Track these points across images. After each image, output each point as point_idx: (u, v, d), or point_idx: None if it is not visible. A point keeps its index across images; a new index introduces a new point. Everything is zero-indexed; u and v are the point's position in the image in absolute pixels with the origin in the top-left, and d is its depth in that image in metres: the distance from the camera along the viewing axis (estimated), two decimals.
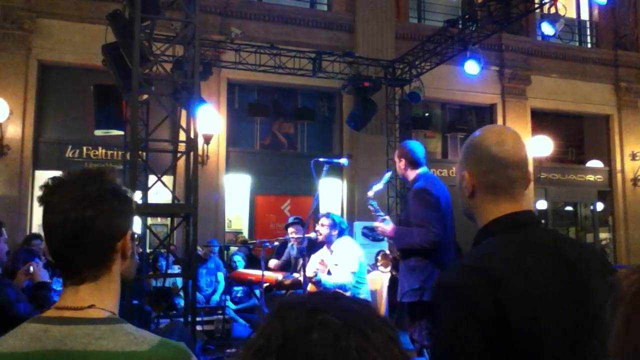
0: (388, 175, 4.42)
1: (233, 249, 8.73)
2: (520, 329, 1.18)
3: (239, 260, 8.05)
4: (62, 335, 1.09)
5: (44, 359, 1.08)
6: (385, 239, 4.27)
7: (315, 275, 4.84)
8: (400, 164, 4.00)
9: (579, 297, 1.25)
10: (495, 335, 1.18)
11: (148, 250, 7.41)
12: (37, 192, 1.20)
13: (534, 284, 1.23)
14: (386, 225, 4.00)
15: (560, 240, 1.40)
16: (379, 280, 5.49)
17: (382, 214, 4.15)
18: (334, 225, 5.15)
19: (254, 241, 8.31)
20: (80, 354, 1.07)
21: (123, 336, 1.11)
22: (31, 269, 3.27)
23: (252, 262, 8.13)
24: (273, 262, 6.38)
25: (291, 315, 0.66)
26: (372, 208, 4.14)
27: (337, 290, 4.79)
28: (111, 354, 1.08)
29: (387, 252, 4.33)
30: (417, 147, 4.04)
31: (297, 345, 0.63)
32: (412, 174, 3.97)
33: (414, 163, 3.97)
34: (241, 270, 7.04)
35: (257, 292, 6.65)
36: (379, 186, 4.23)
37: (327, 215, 5.26)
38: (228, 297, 7.06)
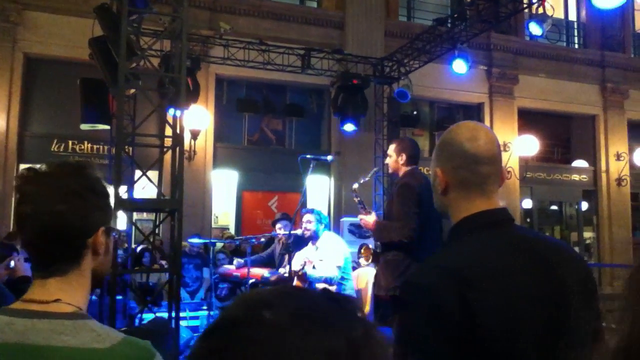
0: (374, 170, 4.57)
1: (219, 245, 8.69)
2: (488, 329, 1.16)
3: (223, 258, 8.04)
4: (25, 329, 1.09)
5: (6, 351, 1.07)
6: (371, 233, 4.34)
7: (302, 268, 4.88)
8: (399, 158, 4.03)
9: (553, 297, 1.24)
10: (460, 336, 1.16)
11: (133, 246, 7.38)
12: (13, 185, 1.20)
13: (504, 284, 1.21)
14: (369, 218, 4.08)
15: (535, 238, 1.38)
16: (364, 278, 5.52)
17: (365, 207, 4.23)
18: (320, 220, 5.19)
19: (241, 237, 8.29)
20: (41, 348, 1.07)
21: (86, 332, 1.10)
22: (12, 263, 3.24)
23: (236, 256, 8.13)
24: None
25: (235, 306, 0.65)
26: (356, 200, 4.25)
27: (323, 284, 4.82)
28: (72, 349, 1.07)
29: (370, 246, 4.41)
30: (417, 145, 4.20)
31: (222, 335, 0.62)
32: (404, 170, 4.03)
33: (413, 159, 4.03)
34: (227, 266, 7.02)
35: (242, 288, 6.65)
36: (364, 179, 4.38)
37: (312, 211, 5.29)
38: (214, 294, 7.03)
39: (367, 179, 4.48)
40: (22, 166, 9.35)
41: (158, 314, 5.42)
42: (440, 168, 1.43)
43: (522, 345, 1.19)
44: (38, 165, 1.19)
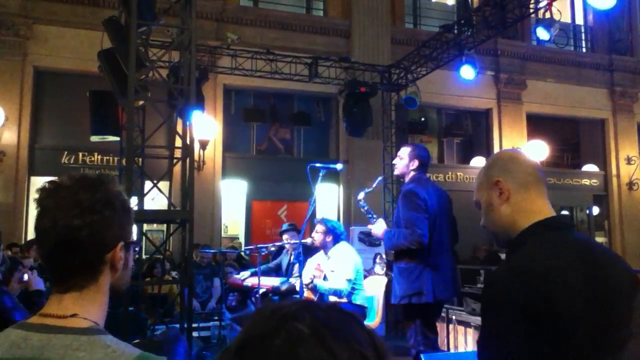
0: (379, 179, 4.54)
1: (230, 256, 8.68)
2: (567, 323, 1.29)
3: (231, 272, 8.05)
4: (41, 344, 1.08)
5: None
6: (381, 242, 4.32)
7: (312, 282, 4.85)
8: (411, 164, 4.01)
9: (608, 294, 1.37)
10: (543, 329, 1.27)
11: (144, 257, 7.39)
12: (33, 199, 1.20)
13: (573, 281, 1.34)
14: (378, 227, 4.06)
15: (588, 242, 1.54)
16: (377, 285, 5.49)
17: (373, 215, 4.21)
18: (328, 231, 5.15)
19: (250, 246, 8.28)
20: None
21: (101, 349, 1.09)
22: (25, 277, 3.25)
23: (244, 269, 8.14)
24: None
25: (261, 319, 0.66)
26: (363, 210, 4.23)
27: (332, 298, 4.79)
28: None
29: (384, 255, 4.37)
30: (427, 152, 4.17)
31: (256, 348, 0.63)
32: (411, 175, 4.01)
33: (423, 167, 4.01)
34: (237, 276, 7.01)
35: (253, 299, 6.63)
36: (369, 189, 4.34)
37: (321, 221, 5.26)
38: (224, 305, 7.02)
39: (372, 189, 4.43)
40: (33, 179, 9.43)
41: (170, 325, 5.41)
42: (502, 177, 1.57)
43: (590, 338, 1.31)
44: (59, 178, 1.19)
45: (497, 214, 1.56)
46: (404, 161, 4.06)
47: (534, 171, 1.57)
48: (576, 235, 1.53)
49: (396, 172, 4.21)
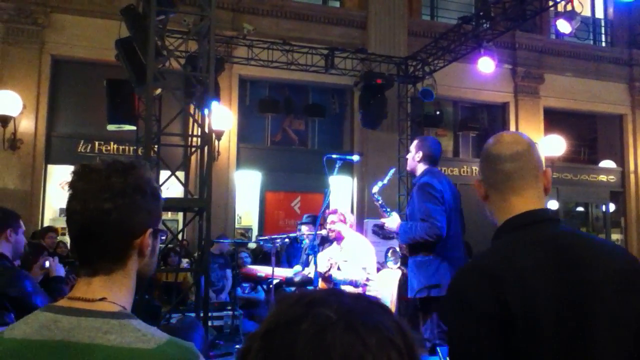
0: (392, 171, 4.51)
1: (252, 245, 8.72)
2: (522, 326, 1.19)
3: (245, 257, 8.06)
4: (71, 327, 1.09)
5: (51, 349, 1.08)
6: (395, 236, 4.31)
7: (328, 270, 4.85)
8: (415, 156, 4.03)
9: (582, 295, 1.25)
10: (499, 332, 1.20)
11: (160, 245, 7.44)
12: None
13: (536, 282, 1.24)
14: (392, 221, 4.05)
15: (571, 237, 1.37)
16: (389, 279, 5.47)
17: (387, 209, 4.20)
18: (344, 220, 5.16)
19: (264, 237, 8.30)
20: (86, 346, 1.07)
21: (131, 332, 1.10)
22: (47, 263, 3.28)
23: (257, 258, 8.16)
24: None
25: (287, 305, 0.66)
26: (377, 203, 4.23)
27: (348, 286, 4.78)
28: (117, 349, 1.07)
29: (397, 248, 4.36)
30: (437, 145, 4.15)
31: (283, 333, 0.63)
32: (421, 169, 4.01)
33: (429, 159, 3.99)
34: (251, 266, 7.03)
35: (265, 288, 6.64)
36: (383, 182, 4.33)
37: (336, 211, 5.27)
38: (240, 291, 7.04)
39: (384, 181, 4.41)
40: (50, 167, 9.51)
41: (186, 314, 5.44)
42: (478, 179, 1.54)
43: (551, 341, 1.20)
44: (92, 162, 1.20)
45: (486, 209, 1.52)
46: (410, 154, 4.10)
47: (502, 168, 1.43)
48: (556, 230, 1.37)
49: (407, 167, 4.25)
